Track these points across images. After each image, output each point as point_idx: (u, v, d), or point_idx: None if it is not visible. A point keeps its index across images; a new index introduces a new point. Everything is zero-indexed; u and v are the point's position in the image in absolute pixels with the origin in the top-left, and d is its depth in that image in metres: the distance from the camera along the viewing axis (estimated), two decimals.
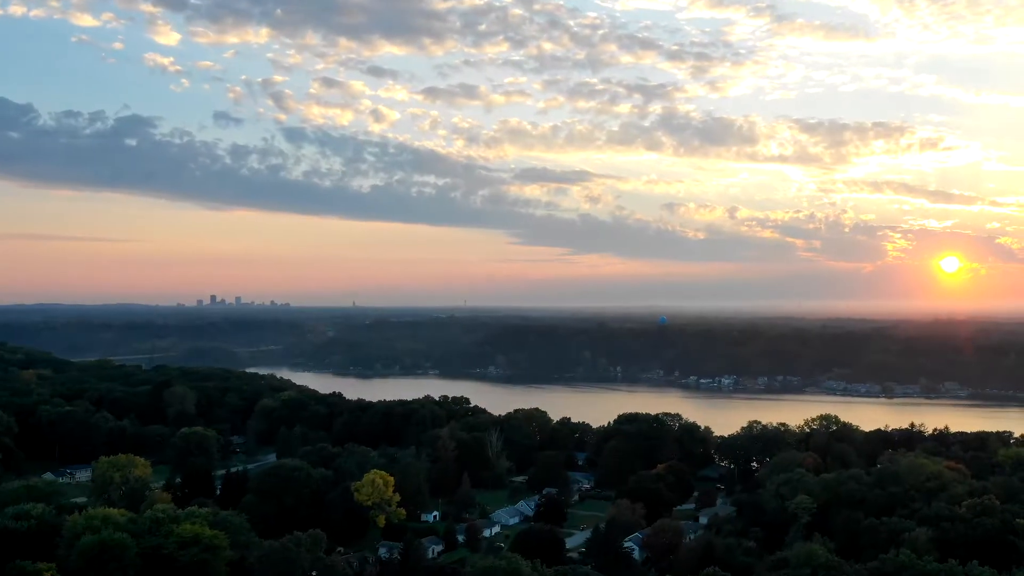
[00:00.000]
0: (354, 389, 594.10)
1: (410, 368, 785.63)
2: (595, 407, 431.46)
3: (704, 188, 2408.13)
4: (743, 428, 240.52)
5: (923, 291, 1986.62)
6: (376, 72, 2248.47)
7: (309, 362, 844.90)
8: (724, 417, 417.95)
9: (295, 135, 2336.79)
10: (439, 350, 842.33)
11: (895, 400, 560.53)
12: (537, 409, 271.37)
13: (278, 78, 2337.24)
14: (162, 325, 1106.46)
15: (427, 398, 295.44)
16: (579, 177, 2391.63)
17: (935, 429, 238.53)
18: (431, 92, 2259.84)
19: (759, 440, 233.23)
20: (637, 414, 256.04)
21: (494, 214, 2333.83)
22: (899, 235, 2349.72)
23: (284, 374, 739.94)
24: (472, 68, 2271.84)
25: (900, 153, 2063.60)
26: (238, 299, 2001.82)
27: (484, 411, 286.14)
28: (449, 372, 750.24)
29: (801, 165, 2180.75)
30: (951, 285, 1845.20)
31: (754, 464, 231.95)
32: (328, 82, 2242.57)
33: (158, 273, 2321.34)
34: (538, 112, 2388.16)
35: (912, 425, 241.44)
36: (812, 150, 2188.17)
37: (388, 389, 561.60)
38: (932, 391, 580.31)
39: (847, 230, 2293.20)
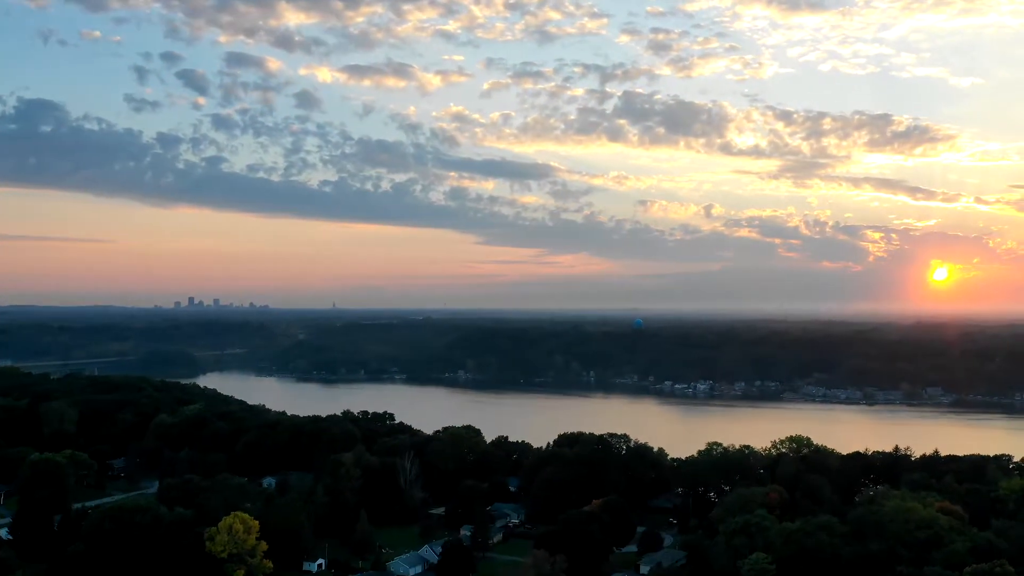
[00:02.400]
0: (309, 396, 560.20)
1: (376, 373, 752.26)
2: (553, 418, 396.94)
3: (676, 184, 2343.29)
4: (701, 452, 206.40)
5: (907, 293, 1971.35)
6: (286, 44, 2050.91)
7: (273, 366, 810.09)
8: (692, 429, 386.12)
9: (224, 123, 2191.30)
10: (408, 354, 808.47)
11: (876, 407, 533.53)
12: (469, 427, 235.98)
13: (178, 52, 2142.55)
14: (125, 328, 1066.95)
15: (346, 413, 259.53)
16: (542, 172, 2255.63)
17: (923, 454, 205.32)
18: (356, 70, 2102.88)
19: (719, 467, 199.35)
20: (580, 434, 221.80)
21: (461, 211, 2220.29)
22: (881, 235, 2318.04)
23: (249, 379, 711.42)
24: (399, 41, 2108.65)
25: (882, 146, 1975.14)
26: (216, 301, 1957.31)
27: (409, 428, 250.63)
28: (416, 377, 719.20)
29: (778, 159, 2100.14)
30: (935, 287, 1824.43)
31: (713, 494, 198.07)
32: (238, 58, 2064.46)
33: (133, 274, 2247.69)
34: (481, 95, 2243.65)
35: (896, 449, 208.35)
36: (790, 141, 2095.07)
37: (344, 396, 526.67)
38: (914, 397, 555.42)
39: (828, 229, 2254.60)
